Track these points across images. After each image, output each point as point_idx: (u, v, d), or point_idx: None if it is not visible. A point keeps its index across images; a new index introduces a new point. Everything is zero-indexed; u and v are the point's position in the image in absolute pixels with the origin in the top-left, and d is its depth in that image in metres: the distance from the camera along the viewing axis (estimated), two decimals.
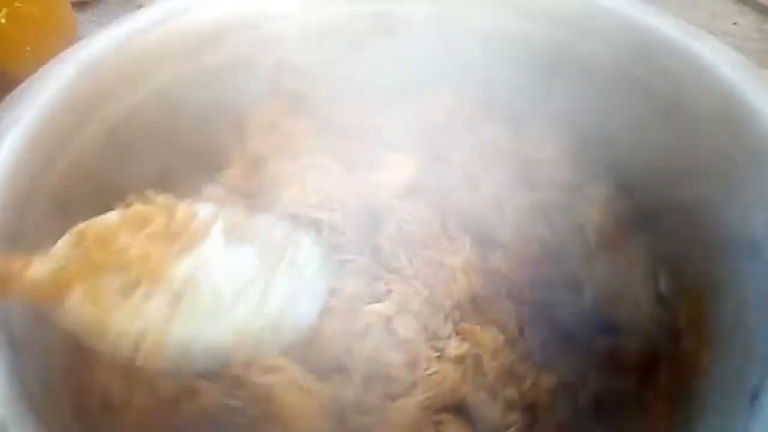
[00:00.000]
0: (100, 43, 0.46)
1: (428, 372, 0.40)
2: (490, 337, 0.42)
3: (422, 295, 0.44)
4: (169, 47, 0.49)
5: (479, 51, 0.57)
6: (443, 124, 0.57)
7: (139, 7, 0.50)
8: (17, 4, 0.64)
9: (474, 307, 0.46)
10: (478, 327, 0.43)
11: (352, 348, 0.40)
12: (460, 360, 0.41)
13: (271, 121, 0.56)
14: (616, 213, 0.51)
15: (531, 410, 0.41)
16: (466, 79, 0.58)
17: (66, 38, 0.66)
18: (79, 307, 0.32)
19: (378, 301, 0.42)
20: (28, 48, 0.65)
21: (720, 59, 0.47)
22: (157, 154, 0.50)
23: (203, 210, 0.38)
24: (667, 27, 0.50)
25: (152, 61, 0.48)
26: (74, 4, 0.74)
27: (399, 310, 0.41)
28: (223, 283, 0.36)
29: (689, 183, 0.48)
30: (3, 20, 0.63)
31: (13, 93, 0.41)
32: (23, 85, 0.42)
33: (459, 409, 0.40)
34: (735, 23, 0.80)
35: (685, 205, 0.48)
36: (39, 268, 0.31)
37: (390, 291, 0.43)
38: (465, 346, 0.42)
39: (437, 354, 0.41)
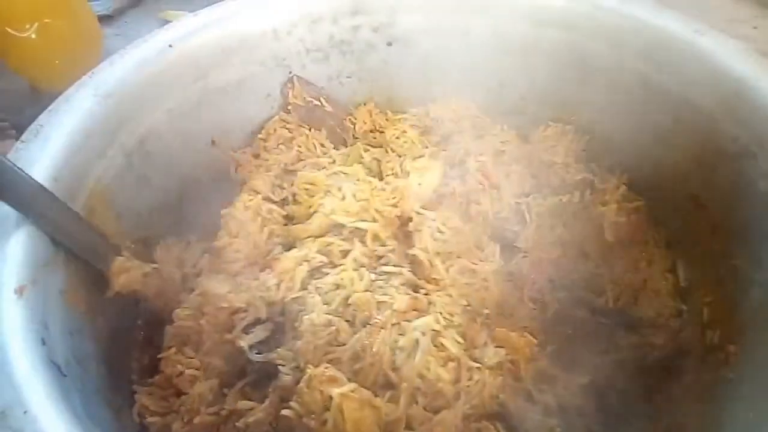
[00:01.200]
0: (117, 68, 0.44)
1: (470, 382, 0.38)
2: (524, 341, 0.41)
3: (461, 305, 0.42)
4: (180, 70, 0.48)
5: (481, 57, 0.56)
6: (456, 130, 0.56)
7: (164, 21, 0.49)
8: (46, 20, 0.63)
9: (502, 312, 0.44)
10: (513, 333, 0.41)
11: (400, 364, 0.38)
12: (498, 367, 0.40)
13: (287, 135, 0.54)
14: (632, 210, 0.50)
15: (566, 413, 0.40)
16: (470, 85, 0.58)
17: (92, 52, 0.67)
18: None
19: (422, 315, 0.40)
20: (57, 61, 0.65)
21: (723, 51, 0.46)
22: (175, 173, 0.50)
23: None
24: (671, 23, 0.49)
25: (165, 84, 0.47)
26: (99, 18, 0.73)
27: (447, 324, 0.39)
28: None
29: (701, 174, 0.47)
30: (33, 35, 0.63)
31: (37, 120, 0.39)
32: (48, 110, 0.40)
33: (498, 416, 0.39)
34: (755, 27, 0.77)
35: (698, 196, 0.47)
36: None
37: (432, 303, 0.41)
38: (502, 353, 0.40)
39: (477, 365, 0.39)
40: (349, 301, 0.41)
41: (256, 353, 0.41)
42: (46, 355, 0.32)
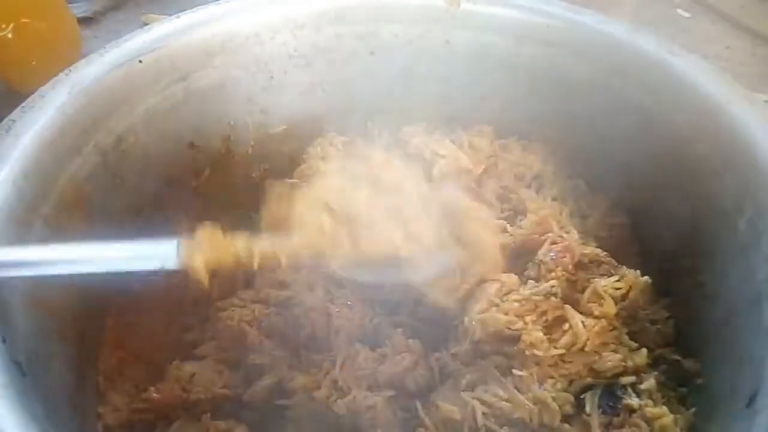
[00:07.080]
0: (95, 67, 0.44)
1: None
2: None
3: None
4: (159, 70, 0.48)
5: (462, 69, 0.57)
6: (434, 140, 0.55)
7: (144, 24, 0.49)
8: (24, 20, 0.63)
9: None
10: None
11: None
12: None
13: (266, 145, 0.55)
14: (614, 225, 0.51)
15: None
16: (450, 96, 0.58)
17: (71, 53, 0.66)
18: None
19: None
20: (34, 62, 0.64)
21: (695, 72, 0.47)
22: (151, 174, 0.49)
23: None
24: (646, 43, 0.50)
25: (143, 84, 0.46)
26: (79, 20, 0.73)
27: None
28: None
29: (673, 191, 0.48)
30: (10, 35, 0.62)
31: (10, 116, 0.38)
32: (21, 106, 0.40)
33: None
34: (728, 47, 0.80)
35: (669, 212, 0.48)
36: None
37: None
38: None
39: None
40: None
41: None
42: (6, 353, 0.31)
